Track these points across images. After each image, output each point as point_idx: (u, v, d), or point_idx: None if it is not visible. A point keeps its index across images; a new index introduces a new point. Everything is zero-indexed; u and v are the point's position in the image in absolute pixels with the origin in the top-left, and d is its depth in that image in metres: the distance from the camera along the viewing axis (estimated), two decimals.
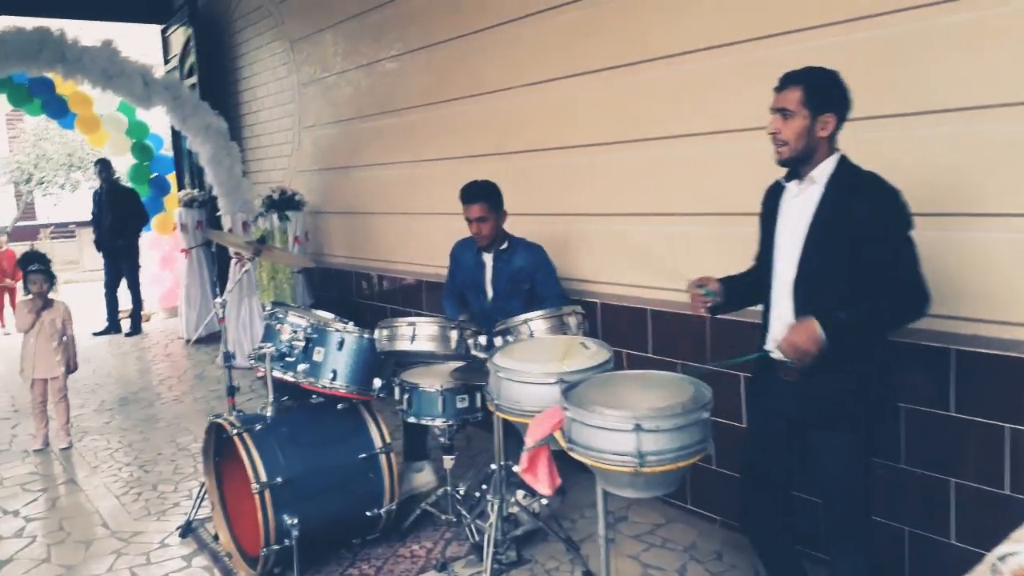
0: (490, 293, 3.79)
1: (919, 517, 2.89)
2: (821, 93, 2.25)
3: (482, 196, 3.66)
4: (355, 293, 6.35)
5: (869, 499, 2.36)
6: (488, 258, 3.81)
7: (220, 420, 3.30)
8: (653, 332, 3.83)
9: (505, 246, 3.77)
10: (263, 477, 3.09)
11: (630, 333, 3.90)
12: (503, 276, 3.73)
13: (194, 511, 3.80)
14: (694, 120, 3.54)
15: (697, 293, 2.45)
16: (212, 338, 7.88)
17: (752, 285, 2.53)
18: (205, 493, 3.68)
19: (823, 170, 2.29)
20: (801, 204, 2.32)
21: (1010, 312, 2.65)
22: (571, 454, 2.05)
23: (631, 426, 1.93)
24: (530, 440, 2.19)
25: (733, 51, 3.34)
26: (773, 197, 2.47)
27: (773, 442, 2.43)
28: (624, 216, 3.93)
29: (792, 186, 2.36)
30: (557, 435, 2.15)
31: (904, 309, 2.24)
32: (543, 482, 2.25)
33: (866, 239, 2.19)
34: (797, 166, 2.32)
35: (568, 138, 4.16)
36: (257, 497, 3.05)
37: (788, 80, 2.28)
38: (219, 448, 3.51)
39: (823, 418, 2.28)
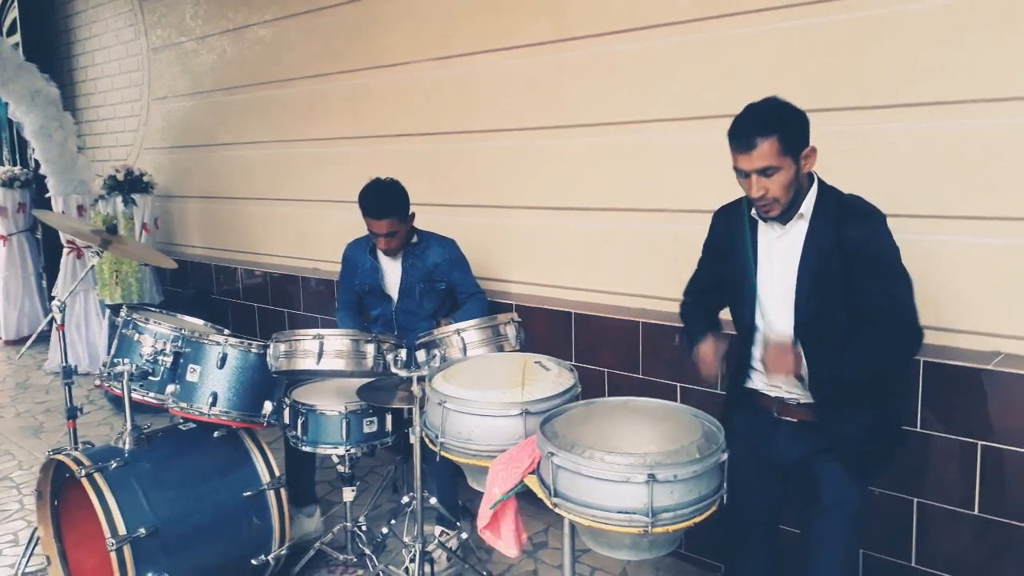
0: (395, 296, 3.28)
1: (877, 539, 2.68)
2: (795, 132, 1.92)
3: (391, 210, 3.07)
4: (216, 289, 5.59)
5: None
6: (389, 258, 3.30)
7: (62, 456, 2.61)
8: (577, 338, 3.45)
9: (415, 241, 3.26)
10: (121, 530, 2.45)
11: (551, 339, 3.51)
12: (415, 275, 3.22)
13: (23, 565, 3.05)
14: (626, 106, 3.21)
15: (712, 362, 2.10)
16: (41, 338, 6.79)
17: (715, 317, 2.33)
18: (37, 542, 2.95)
19: (808, 203, 1.99)
20: (787, 245, 2.02)
21: (980, 321, 2.49)
22: (560, 512, 1.62)
23: (643, 477, 1.52)
24: (497, 491, 1.73)
25: (673, 31, 3.04)
26: (738, 228, 2.11)
27: (764, 485, 2.15)
28: (545, 210, 3.54)
29: (774, 226, 2.04)
30: (531, 482, 1.71)
31: (897, 353, 1.98)
32: (509, 542, 1.80)
33: (862, 268, 1.92)
34: (786, 213, 2.00)
35: (481, 121, 3.71)
36: (114, 555, 2.41)
37: (753, 133, 1.88)
38: (59, 489, 2.81)
39: (833, 455, 2.02)
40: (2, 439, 4.76)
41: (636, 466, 1.54)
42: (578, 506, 1.59)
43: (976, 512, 2.48)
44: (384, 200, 3.09)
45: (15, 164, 7.47)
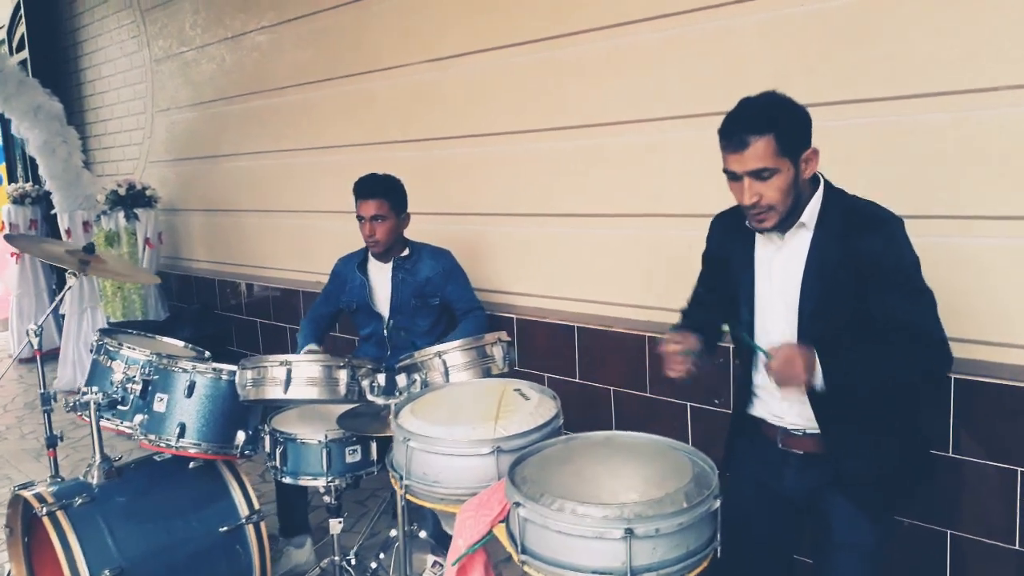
0: (385, 314, 3.11)
1: (907, 574, 2.43)
2: (794, 130, 1.70)
3: (382, 191, 3.02)
4: (220, 304, 5.47)
5: None
6: (379, 272, 3.16)
7: (25, 493, 2.46)
8: (580, 353, 3.25)
9: (406, 253, 3.10)
10: (83, 572, 2.29)
11: (553, 354, 3.31)
12: (406, 290, 3.05)
13: None
14: (634, 105, 2.98)
15: (674, 352, 1.82)
16: (51, 356, 6.73)
17: (714, 328, 2.04)
18: None
19: (811, 211, 1.77)
20: (788, 259, 1.80)
21: (1019, 332, 2.23)
22: (528, 571, 1.41)
23: (620, 532, 1.31)
24: (462, 543, 1.53)
25: (682, 22, 2.79)
26: (735, 238, 1.90)
27: (772, 517, 1.92)
28: (547, 217, 3.33)
29: (772, 237, 1.82)
30: (500, 532, 1.51)
31: (922, 373, 1.79)
32: None
33: (878, 283, 1.69)
34: (784, 222, 1.78)
35: (480, 125, 3.52)
36: None
37: (746, 130, 1.67)
38: (29, 526, 2.66)
39: (847, 492, 1.79)
40: (7, 463, 4.65)
41: (612, 519, 1.33)
42: (547, 565, 1.38)
43: (1017, 547, 2.23)
44: (375, 181, 3.06)
45: (27, 181, 7.45)
